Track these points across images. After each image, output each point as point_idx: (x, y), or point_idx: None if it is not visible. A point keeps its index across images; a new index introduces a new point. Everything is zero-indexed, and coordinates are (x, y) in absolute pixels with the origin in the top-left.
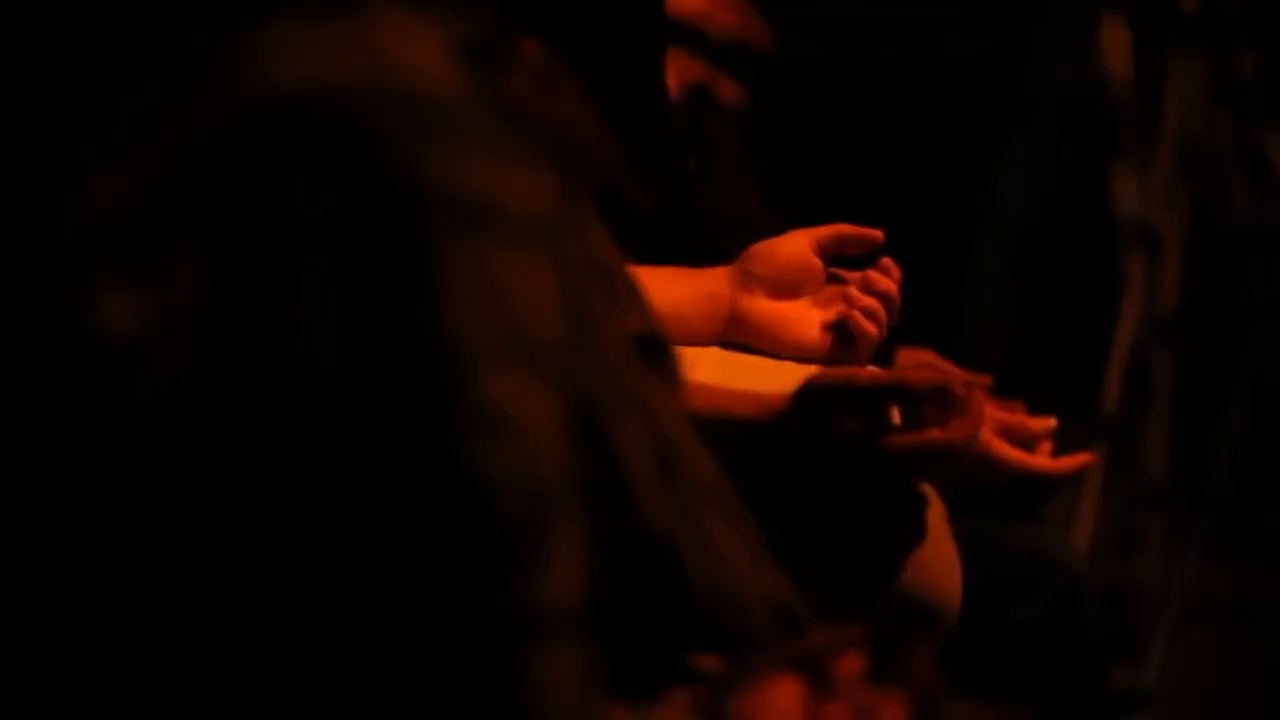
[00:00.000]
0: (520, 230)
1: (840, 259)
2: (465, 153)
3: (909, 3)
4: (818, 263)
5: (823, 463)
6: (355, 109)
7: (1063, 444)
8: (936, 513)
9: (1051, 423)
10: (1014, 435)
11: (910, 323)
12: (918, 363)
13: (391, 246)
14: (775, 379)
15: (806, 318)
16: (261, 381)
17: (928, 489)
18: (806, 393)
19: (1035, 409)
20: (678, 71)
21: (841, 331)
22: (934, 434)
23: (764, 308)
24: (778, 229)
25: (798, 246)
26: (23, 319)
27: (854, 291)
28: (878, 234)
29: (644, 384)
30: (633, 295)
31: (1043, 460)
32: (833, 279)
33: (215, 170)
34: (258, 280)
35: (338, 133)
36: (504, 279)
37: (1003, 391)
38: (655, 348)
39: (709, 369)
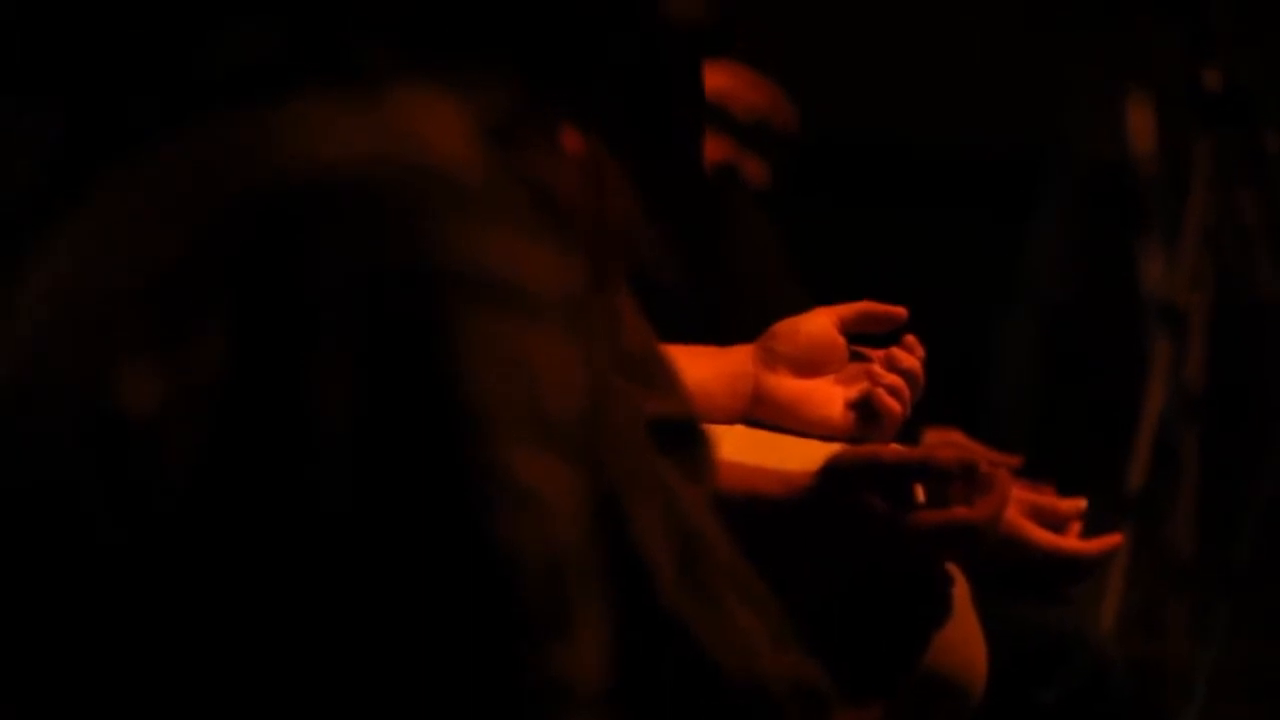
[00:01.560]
0: (542, 307)
1: (864, 336)
2: (486, 230)
3: (936, 77)
4: (841, 340)
5: (847, 540)
6: (375, 186)
7: (1089, 521)
8: (962, 592)
9: (1082, 504)
10: (1044, 517)
11: (935, 400)
12: (944, 441)
13: (411, 322)
14: (799, 457)
15: (830, 395)
16: (282, 458)
17: (953, 568)
18: (830, 471)
19: (1062, 486)
20: (705, 150)
21: (865, 409)
22: (959, 512)
23: (788, 386)
24: (802, 305)
25: (821, 324)
26: (43, 394)
27: (878, 369)
28: (901, 311)
29: (665, 468)
30: (666, 379)
31: (1073, 542)
32: (856, 356)
33: (236, 247)
34: (278, 357)
35: (357, 210)
36: (524, 355)
37: (1028, 469)
38: (686, 432)
39: (733, 447)
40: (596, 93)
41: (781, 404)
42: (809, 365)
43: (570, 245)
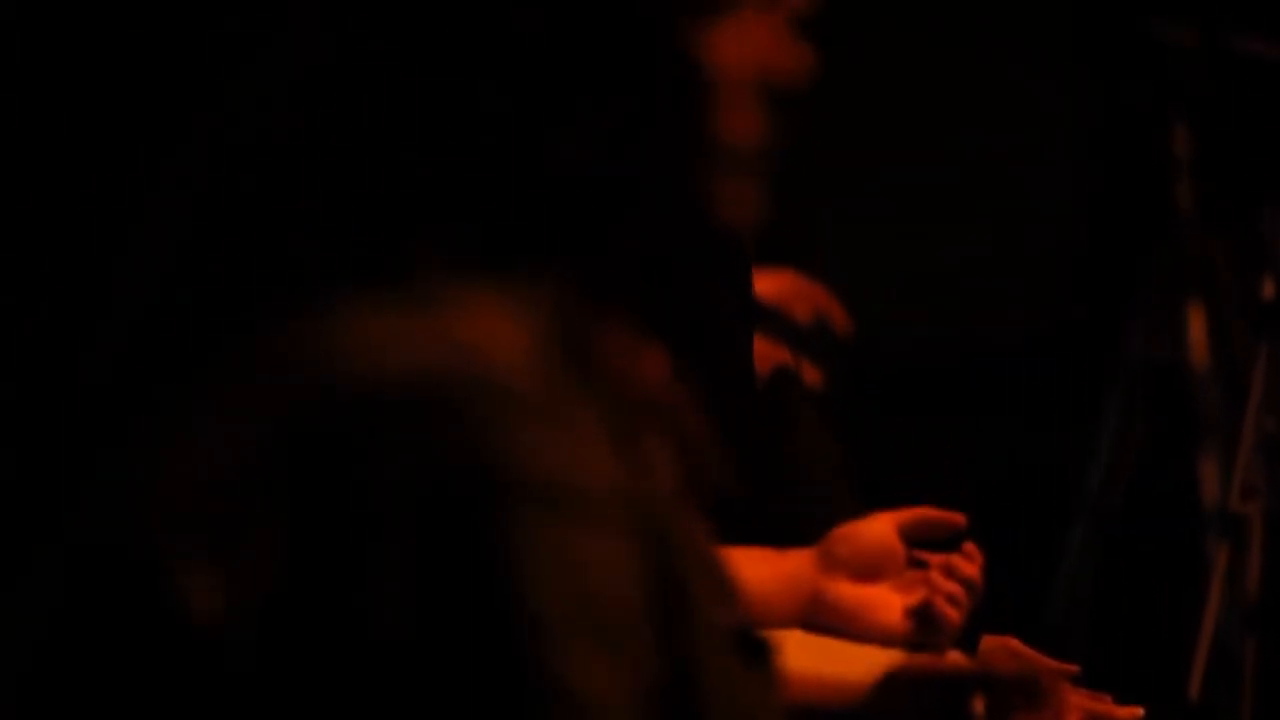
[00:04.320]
0: (597, 510)
1: (923, 542)
2: (541, 435)
3: (993, 284)
4: (900, 547)
5: None
6: (431, 394)
7: None
8: None
9: (1139, 712)
10: None
11: (994, 606)
12: (1002, 649)
13: (466, 528)
14: (858, 664)
15: (889, 602)
16: (339, 660)
17: None
18: (890, 683)
19: (1120, 694)
20: (760, 355)
21: (924, 617)
22: None
23: (846, 592)
24: (861, 511)
25: (880, 530)
26: (106, 594)
27: (936, 576)
28: (960, 519)
29: (735, 674)
30: (727, 586)
31: None
32: (915, 563)
33: (295, 451)
34: (336, 561)
35: (414, 416)
36: (580, 558)
37: (1086, 676)
38: (751, 643)
39: (792, 653)
40: (648, 296)
41: (840, 610)
42: (868, 571)
43: (629, 445)
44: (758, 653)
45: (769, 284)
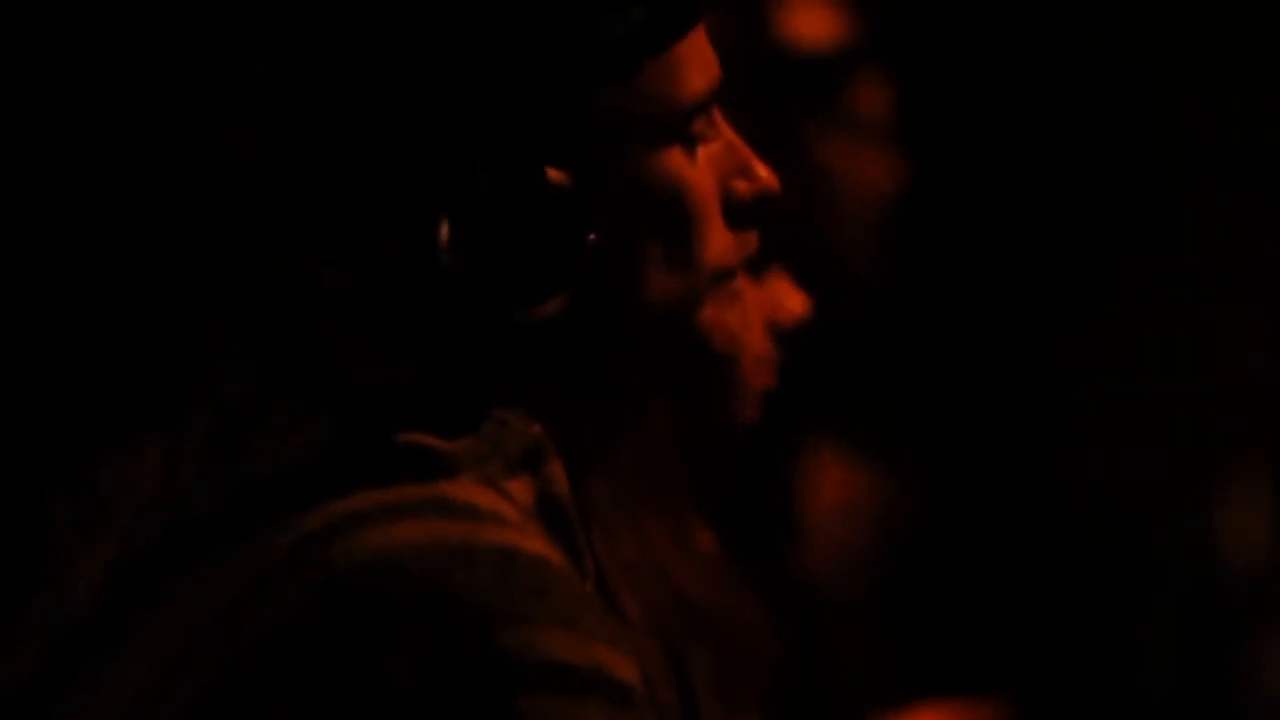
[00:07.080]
0: (609, 692)
1: None
2: (549, 618)
3: (1030, 468)
4: None
5: None
6: (436, 579)
7: None
8: None
9: None
10: None
11: None
12: None
13: (481, 710)
14: None
15: None
16: None
17: None
18: None
19: None
20: (800, 550)
21: None
22: None
23: None
24: (906, 703)
25: None
26: None
27: None
28: (1005, 712)
29: None
30: None
31: None
32: None
33: (294, 654)
34: None
35: (422, 604)
36: None
37: None
38: None
39: None
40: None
41: None
42: None
43: (621, 635)
44: None
45: (826, 487)
